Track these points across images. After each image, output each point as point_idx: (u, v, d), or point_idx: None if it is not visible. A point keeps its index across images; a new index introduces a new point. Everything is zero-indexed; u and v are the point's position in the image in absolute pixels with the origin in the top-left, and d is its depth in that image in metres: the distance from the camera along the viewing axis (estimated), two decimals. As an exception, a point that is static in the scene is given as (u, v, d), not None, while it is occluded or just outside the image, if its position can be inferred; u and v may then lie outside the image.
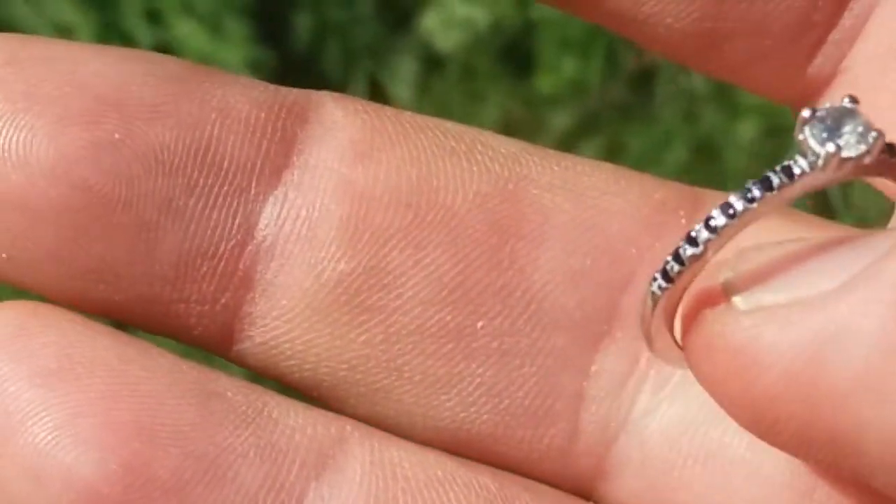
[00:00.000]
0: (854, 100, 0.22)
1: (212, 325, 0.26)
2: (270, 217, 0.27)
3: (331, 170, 0.27)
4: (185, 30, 1.11)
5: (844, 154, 0.22)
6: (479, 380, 0.26)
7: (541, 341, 0.26)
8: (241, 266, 0.26)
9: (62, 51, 0.27)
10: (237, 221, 0.27)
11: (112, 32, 1.11)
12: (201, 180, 0.26)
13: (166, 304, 0.26)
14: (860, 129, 0.22)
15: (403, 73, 1.06)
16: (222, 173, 0.26)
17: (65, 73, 0.26)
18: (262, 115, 0.27)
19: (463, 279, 0.26)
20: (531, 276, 0.26)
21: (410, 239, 0.26)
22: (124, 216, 0.26)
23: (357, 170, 0.27)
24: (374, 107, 0.28)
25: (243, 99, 0.27)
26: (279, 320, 0.26)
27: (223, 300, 0.26)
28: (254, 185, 0.27)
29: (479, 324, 0.26)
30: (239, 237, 0.27)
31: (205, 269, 0.26)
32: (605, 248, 0.27)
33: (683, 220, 0.27)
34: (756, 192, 0.22)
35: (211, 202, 0.26)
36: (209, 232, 0.26)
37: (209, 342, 0.27)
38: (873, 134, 0.22)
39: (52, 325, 0.25)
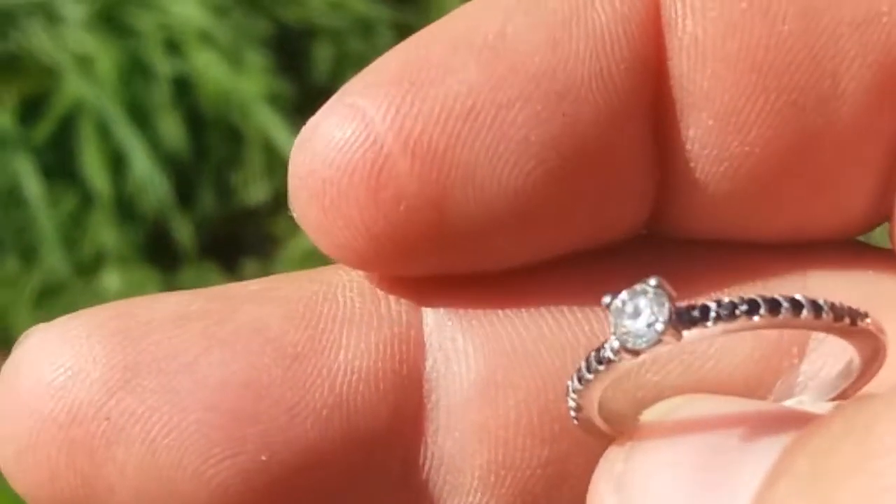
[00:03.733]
0: (658, 282, 0.22)
1: None
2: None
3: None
4: (205, 61, 1.11)
5: (632, 346, 0.22)
6: None
7: None
8: None
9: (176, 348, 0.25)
10: (388, 497, 0.26)
11: (132, 63, 1.11)
12: (351, 459, 0.25)
13: None
14: (653, 314, 0.22)
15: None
16: (366, 449, 0.26)
17: (189, 386, 0.25)
18: (387, 365, 0.26)
19: None
20: None
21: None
22: None
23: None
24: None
25: (364, 349, 0.26)
26: None
27: None
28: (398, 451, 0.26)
29: None
30: None
31: None
32: None
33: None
34: (583, 374, 0.23)
35: (363, 482, 0.26)
36: None
37: None
38: (660, 324, 0.22)
39: None
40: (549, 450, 0.26)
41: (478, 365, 0.26)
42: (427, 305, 0.26)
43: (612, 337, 0.22)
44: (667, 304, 0.22)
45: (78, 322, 0.25)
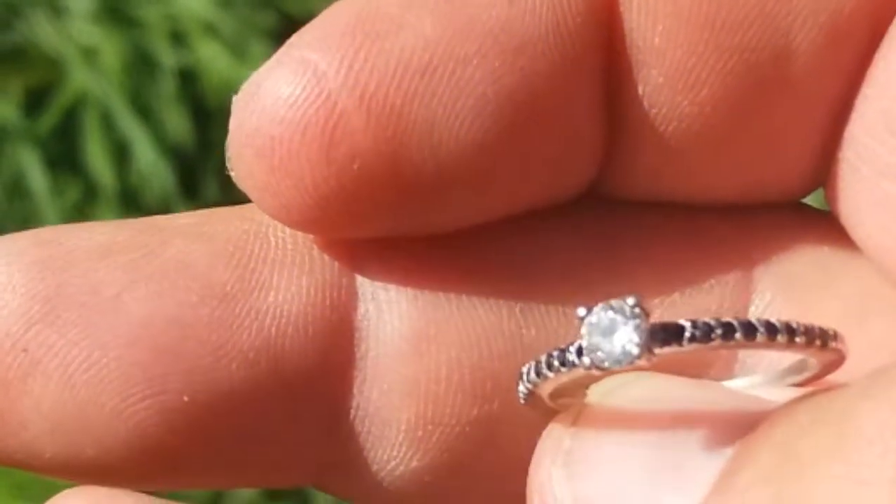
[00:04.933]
0: (636, 301, 0.22)
1: None
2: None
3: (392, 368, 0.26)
4: (209, 52, 1.11)
5: (603, 365, 0.22)
6: None
7: None
8: None
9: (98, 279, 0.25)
10: (313, 444, 0.26)
11: (137, 55, 1.11)
12: (276, 404, 0.25)
13: None
14: (629, 335, 0.22)
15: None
16: (291, 395, 0.25)
17: (111, 321, 0.24)
18: (317, 311, 0.25)
19: None
20: None
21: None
22: (203, 459, 0.25)
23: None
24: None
25: (294, 292, 0.25)
26: None
27: None
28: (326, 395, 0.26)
29: None
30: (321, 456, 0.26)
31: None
32: None
33: None
34: (542, 370, 0.23)
35: (287, 427, 0.25)
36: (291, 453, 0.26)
37: None
38: (636, 347, 0.22)
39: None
40: (480, 409, 0.26)
41: (410, 317, 0.25)
42: (361, 268, 0.26)
43: (584, 351, 0.22)
44: (643, 326, 0.22)
45: None
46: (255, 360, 0.25)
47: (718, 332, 0.22)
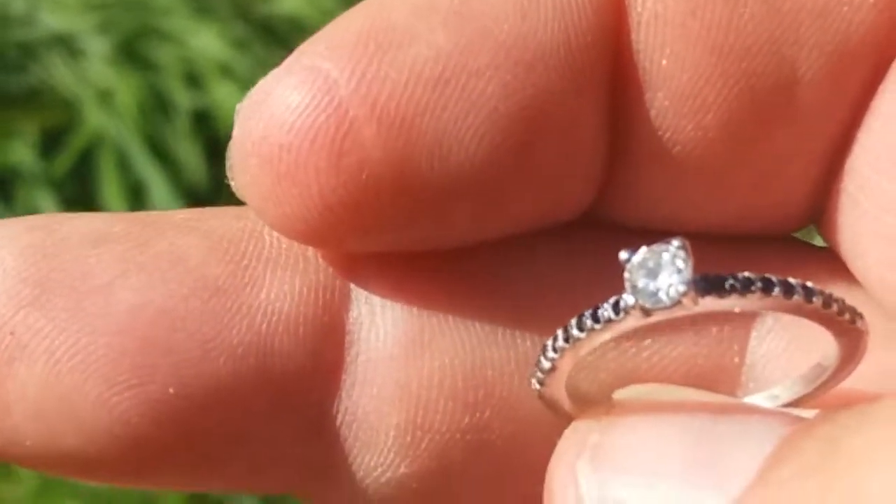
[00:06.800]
0: (682, 243, 0.21)
1: None
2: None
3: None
4: (224, 93, 1.12)
5: (649, 306, 0.21)
6: None
7: None
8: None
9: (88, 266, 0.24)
10: (298, 446, 0.26)
11: (152, 96, 1.12)
12: (262, 402, 0.25)
13: None
14: (675, 275, 0.21)
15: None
16: (278, 394, 0.25)
17: (101, 308, 0.24)
18: (309, 311, 0.25)
19: None
20: None
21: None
22: (186, 456, 0.25)
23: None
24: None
25: (287, 290, 0.25)
26: None
27: None
28: (314, 395, 0.25)
29: None
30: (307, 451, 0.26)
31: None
32: None
33: None
34: (584, 325, 0.22)
35: (272, 427, 0.25)
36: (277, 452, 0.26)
37: None
38: (681, 285, 0.21)
39: None
40: (471, 417, 0.25)
41: (404, 322, 0.25)
42: (356, 277, 0.25)
43: (629, 292, 0.22)
44: (688, 267, 0.21)
45: None
46: (243, 355, 0.24)
47: (759, 284, 0.21)
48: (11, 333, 0.24)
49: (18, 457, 0.24)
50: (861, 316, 0.23)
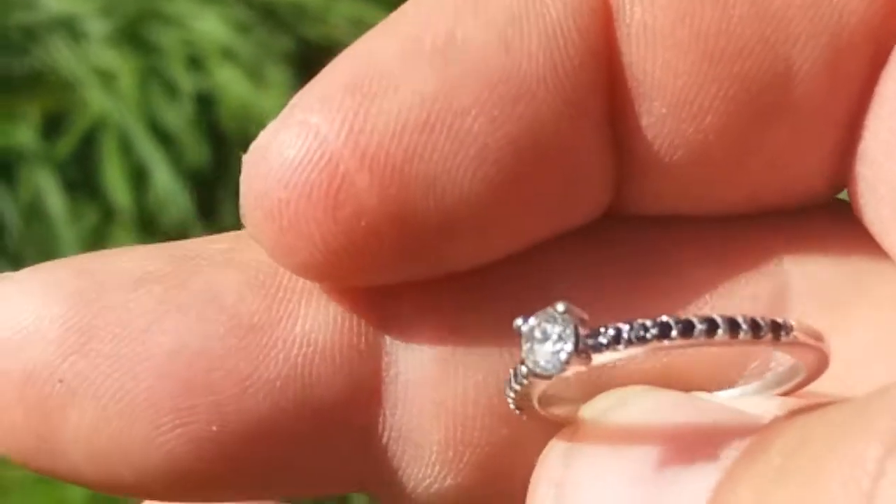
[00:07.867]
0: (566, 307, 0.22)
1: None
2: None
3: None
4: (227, 77, 1.12)
5: (540, 372, 0.22)
6: None
7: None
8: None
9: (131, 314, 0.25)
10: (346, 466, 0.26)
11: (154, 79, 1.12)
12: (306, 430, 0.25)
13: None
14: (560, 340, 0.22)
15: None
16: (320, 421, 0.26)
17: (141, 353, 0.25)
18: (345, 339, 0.26)
19: None
20: None
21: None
22: (236, 482, 0.26)
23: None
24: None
25: (321, 321, 0.25)
26: None
27: None
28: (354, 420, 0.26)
29: None
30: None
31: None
32: None
33: None
34: (510, 384, 0.23)
35: (318, 451, 0.26)
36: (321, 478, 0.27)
37: None
38: (565, 352, 0.21)
39: None
40: (510, 429, 0.26)
41: (439, 341, 0.26)
42: (388, 303, 0.26)
43: (523, 360, 0.22)
44: (572, 331, 0.22)
45: (37, 279, 0.25)
46: (282, 389, 0.25)
47: (654, 331, 0.21)
48: (60, 381, 0.25)
49: (86, 485, 0.26)
50: (789, 329, 0.23)
